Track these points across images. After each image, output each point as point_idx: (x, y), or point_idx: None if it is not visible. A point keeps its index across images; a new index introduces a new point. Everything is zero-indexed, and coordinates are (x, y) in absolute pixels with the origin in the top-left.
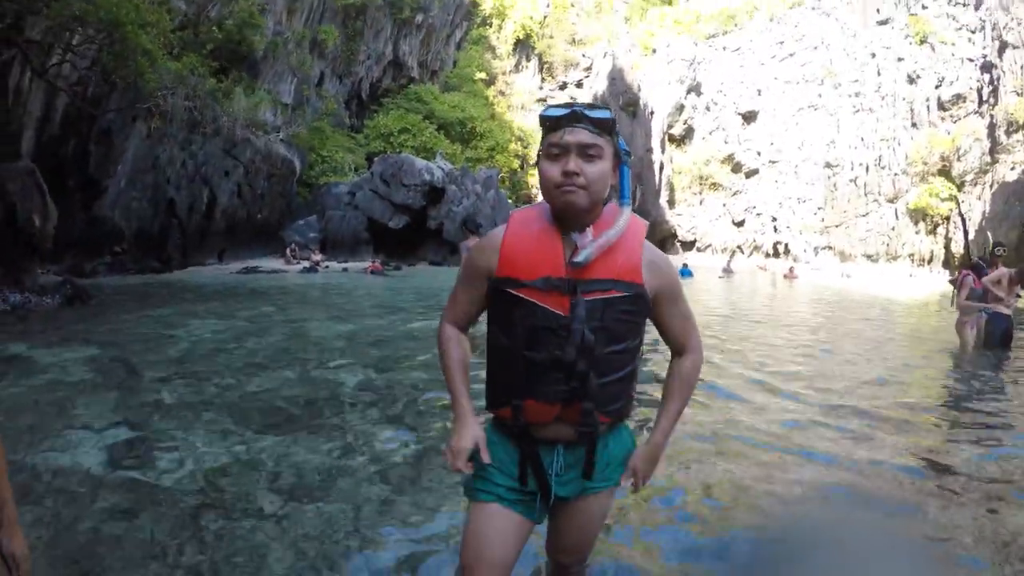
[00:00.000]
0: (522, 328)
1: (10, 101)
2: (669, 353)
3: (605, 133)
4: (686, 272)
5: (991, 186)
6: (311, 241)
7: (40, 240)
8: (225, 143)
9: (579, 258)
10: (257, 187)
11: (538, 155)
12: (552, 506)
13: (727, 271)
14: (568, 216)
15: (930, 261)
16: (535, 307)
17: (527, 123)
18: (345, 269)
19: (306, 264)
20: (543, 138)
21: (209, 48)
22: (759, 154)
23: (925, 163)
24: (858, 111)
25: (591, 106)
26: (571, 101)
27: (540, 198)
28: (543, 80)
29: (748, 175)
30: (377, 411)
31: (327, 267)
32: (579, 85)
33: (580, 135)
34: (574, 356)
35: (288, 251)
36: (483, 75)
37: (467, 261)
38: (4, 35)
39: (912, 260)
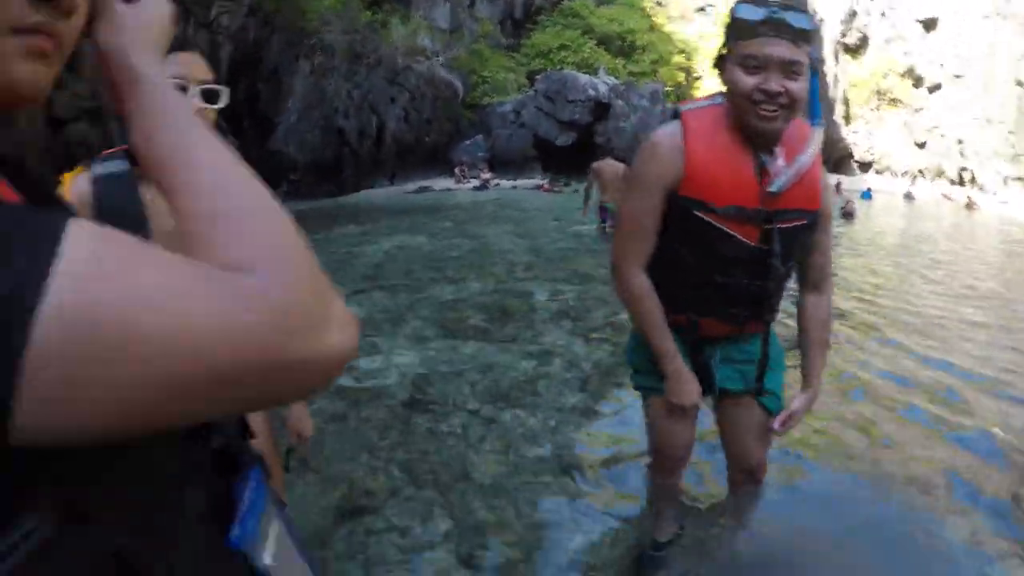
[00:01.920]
0: (712, 253)
1: None
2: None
3: (805, 43)
4: (867, 195)
5: None
6: (479, 160)
7: None
8: (388, 72)
9: (773, 188)
10: (423, 111)
11: (722, 55)
12: (721, 408)
13: (908, 197)
14: (761, 137)
15: None
16: (728, 236)
17: (688, 33)
18: (515, 187)
19: (476, 183)
20: (732, 38)
21: None
22: (942, 66)
23: None
24: None
25: (790, 8)
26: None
27: None
28: None
29: (931, 90)
30: (570, 323)
31: (497, 184)
32: None
33: (782, 49)
34: (772, 289)
35: (457, 170)
36: None
37: (642, 173)
38: None
39: None
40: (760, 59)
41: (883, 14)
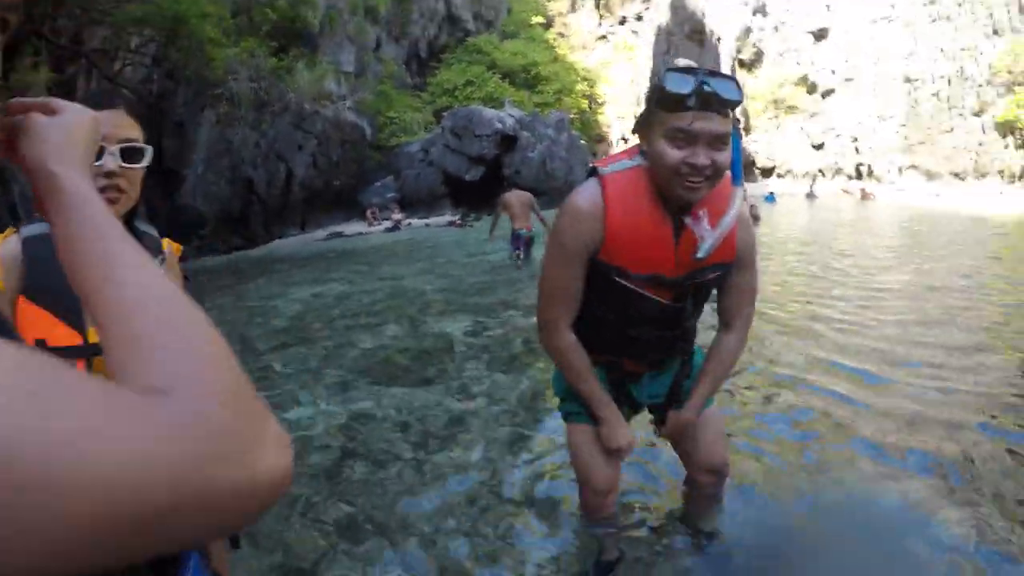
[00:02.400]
0: (628, 312)
1: None
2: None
3: (732, 111)
4: (770, 198)
5: None
6: (389, 202)
7: None
8: (295, 118)
9: (700, 254)
10: (331, 156)
11: (644, 120)
12: (667, 420)
13: (810, 195)
14: (681, 202)
15: (1021, 177)
16: (643, 298)
17: (590, 62)
18: (427, 225)
19: (388, 224)
20: (658, 108)
21: (266, 30)
22: (834, 72)
23: (1010, 72)
24: (935, 20)
25: (719, 77)
26: (693, 67)
27: (612, 134)
28: (601, 17)
29: (824, 95)
30: (489, 356)
31: (409, 224)
32: (639, 18)
33: (712, 123)
34: (680, 335)
35: (369, 213)
36: (540, 19)
37: (564, 239)
38: (67, 51)
39: (1002, 176)
40: (689, 133)
41: (776, 28)
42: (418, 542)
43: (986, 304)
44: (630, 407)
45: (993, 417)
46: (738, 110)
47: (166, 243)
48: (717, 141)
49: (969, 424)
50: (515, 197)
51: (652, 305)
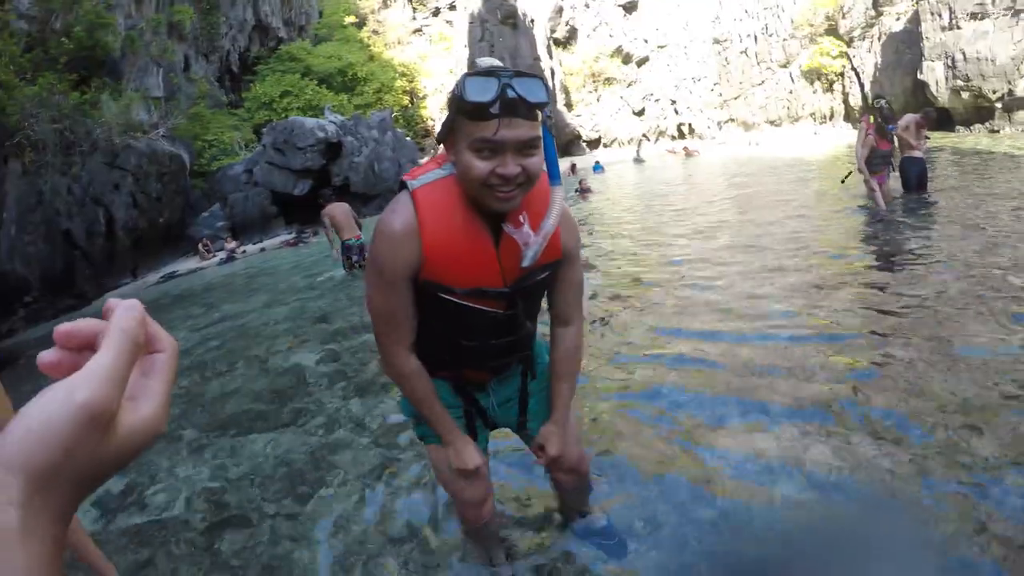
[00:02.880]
0: (456, 323)
1: None
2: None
3: (541, 112)
4: (598, 167)
5: (879, 38)
6: (220, 231)
7: None
8: (106, 156)
9: (525, 262)
10: (151, 191)
11: (447, 129)
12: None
13: (638, 160)
14: (501, 213)
15: (831, 117)
16: (473, 311)
17: (407, 57)
18: (263, 249)
19: (222, 255)
20: (460, 117)
21: (64, 61)
22: (646, 42)
23: (811, 25)
24: None
25: (524, 78)
26: (493, 68)
27: (436, 127)
28: (415, 10)
29: (639, 64)
30: (346, 383)
31: (244, 251)
32: (452, 8)
33: (519, 129)
34: (521, 337)
35: (201, 247)
36: (352, 19)
37: (381, 266)
38: None
39: (814, 119)
40: (495, 143)
41: (587, 5)
42: None
43: (815, 243)
44: (484, 422)
45: (840, 352)
46: (558, 86)
47: None
48: (526, 147)
49: (820, 363)
50: (337, 209)
51: (484, 317)
